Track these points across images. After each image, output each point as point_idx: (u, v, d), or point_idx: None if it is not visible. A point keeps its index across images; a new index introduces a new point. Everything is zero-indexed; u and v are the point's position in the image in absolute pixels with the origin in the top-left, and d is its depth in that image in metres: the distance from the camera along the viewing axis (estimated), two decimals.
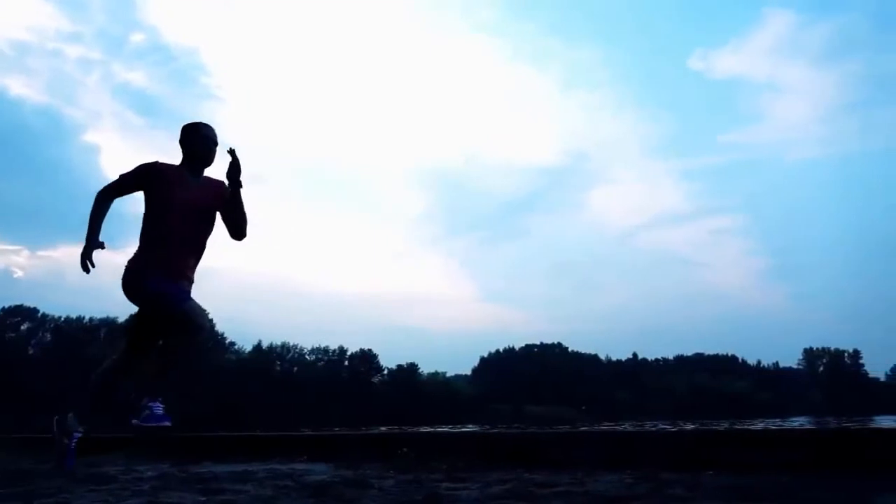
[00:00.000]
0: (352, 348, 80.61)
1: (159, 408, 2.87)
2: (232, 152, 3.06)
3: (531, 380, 79.27)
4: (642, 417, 55.02)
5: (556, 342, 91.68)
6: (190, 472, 3.06)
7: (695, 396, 75.48)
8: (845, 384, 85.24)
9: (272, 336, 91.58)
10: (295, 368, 76.05)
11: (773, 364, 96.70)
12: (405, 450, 2.82)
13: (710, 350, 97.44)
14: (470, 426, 31.65)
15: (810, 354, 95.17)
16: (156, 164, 3.14)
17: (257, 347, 73.11)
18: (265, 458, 3.42)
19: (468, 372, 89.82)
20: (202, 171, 3.18)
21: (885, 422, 22.95)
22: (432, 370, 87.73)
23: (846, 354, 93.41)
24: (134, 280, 3.00)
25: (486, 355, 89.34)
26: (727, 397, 75.03)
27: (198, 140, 3.19)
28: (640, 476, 2.18)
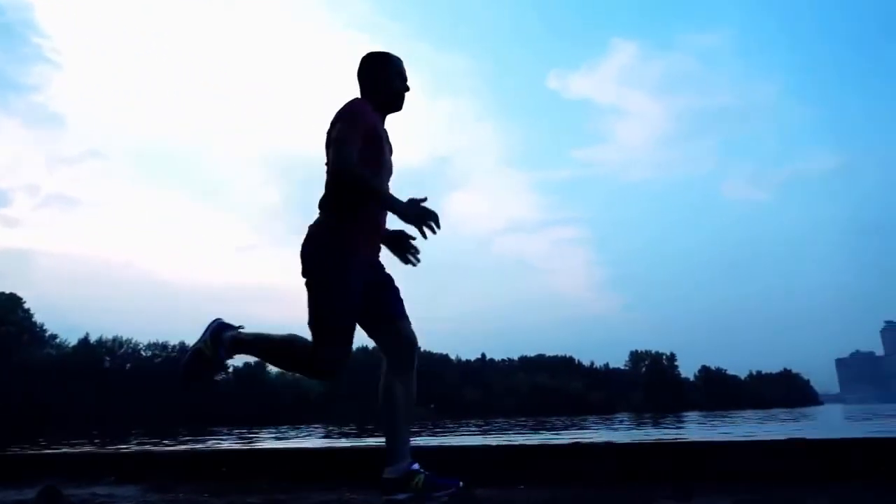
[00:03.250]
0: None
1: None
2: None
3: None
4: (489, 416, 57.57)
5: None
6: None
7: (536, 395, 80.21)
8: (662, 384, 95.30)
9: (102, 329, 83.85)
10: (128, 365, 69.88)
11: (604, 365, 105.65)
12: (224, 469, 2.68)
13: (550, 351, 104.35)
14: (315, 426, 31.19)
15: (635, 356, 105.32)
16: (367, 102, 2.33)
17: (84, 341, 66.28)
18: (70, 479, 3.05)
19: None
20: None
21: (692, 417, 26.13)
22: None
23: (664, 357, 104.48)
24: (339, 250, 2.17)
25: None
26: (564, 396, 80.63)
27: (395, 76, 2.39)
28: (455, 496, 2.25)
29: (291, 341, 2.24)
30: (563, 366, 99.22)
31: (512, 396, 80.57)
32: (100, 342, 68.14)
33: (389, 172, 2.37)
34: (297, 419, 55.87)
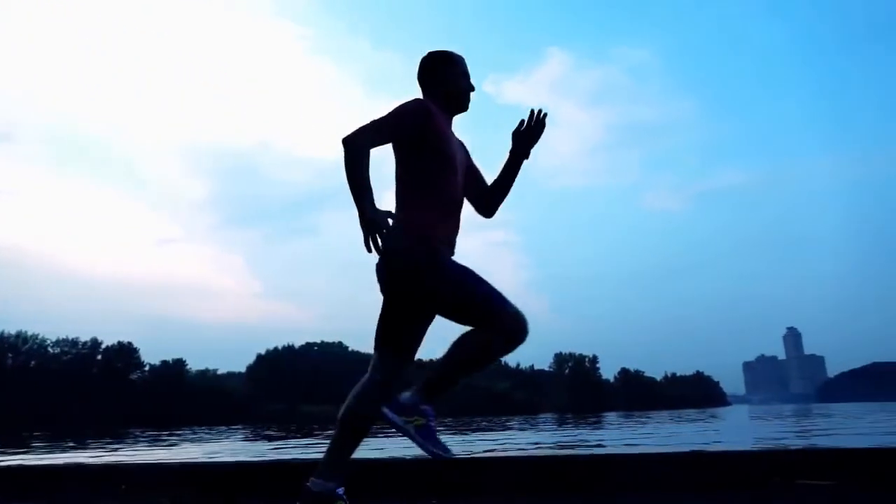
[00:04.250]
0: (107, 340, 72.00)
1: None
2: (541, 115, 2.32)
3: (309, 379, 78.18)
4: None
5: (337, 341, 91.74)
6: None
7: (462, 395, 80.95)
8: (585, 385, 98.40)
9: (4, 323, 78.07)
10: (33, 362, 65.44)
11: (530, 366, 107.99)
12: (123, 487, 2.54)
13: None
14: (237, 427, 30.23)
15: (560, 358, 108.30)
16: (429, 102, 2.22)
17: None
18: None
19: (243, 370, 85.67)
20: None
21: (610, 418, 27.10)
22: (202, 367, 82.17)
23: (587, 359, 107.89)
24: (431, 259, 2.06)
25: (263, 353, 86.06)
26: (491, 396, 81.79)
27: (460, 77, 2.31)
28: None
29: (460, 345, 2.10)
30: (493, 365, 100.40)
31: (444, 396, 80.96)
32: (1, 337, 63.53)
33: (455, 174, 2.22)
34: (218, 420, 54.06)
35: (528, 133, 2.34)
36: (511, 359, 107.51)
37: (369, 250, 1.92)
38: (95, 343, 71.11)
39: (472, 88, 2.32)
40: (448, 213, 2.17)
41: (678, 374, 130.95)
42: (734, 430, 11.90)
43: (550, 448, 8.19)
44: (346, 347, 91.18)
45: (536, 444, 9.34)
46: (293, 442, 12.15)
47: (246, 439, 14.72)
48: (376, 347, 2.22)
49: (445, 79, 2.28)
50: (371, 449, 7.34)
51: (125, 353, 72.20)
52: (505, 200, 2.42)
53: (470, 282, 2.06)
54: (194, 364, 79.44)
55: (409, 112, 2.11)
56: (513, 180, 2.39)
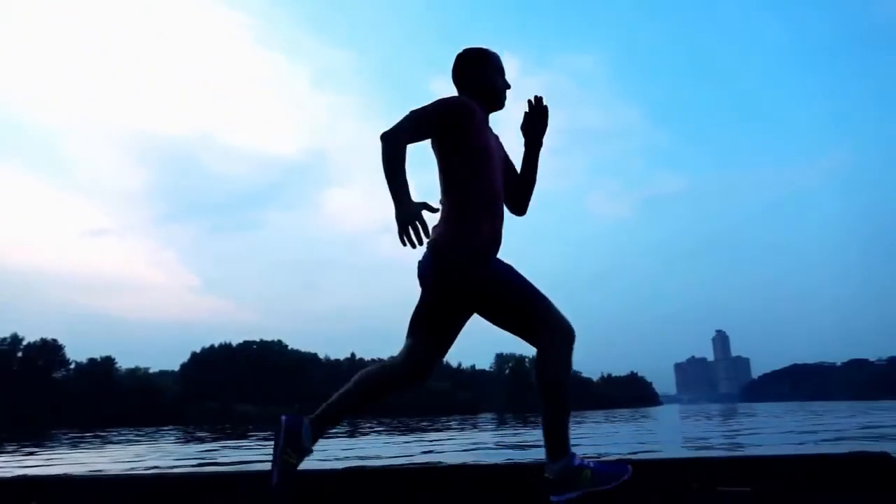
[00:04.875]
0: (29, 337, 68.16)
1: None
2: (539, 100, 2.30)
3: (245, 378, 76.25)
4: (355, 416, 56.89)
5: (276, 339, 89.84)
6: None
7: (404, 395, 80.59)
8: (525, 385, 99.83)
9: None
10: None
11: (471, 366, 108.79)
12: None
13: None
14: (167, 429, 29.14)
15: (500, 359, 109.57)
16: (469, 100, 2.16)
17: None
18: None
19: (176, 368, 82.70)
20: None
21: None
22: (132, 365, 78.86)
23: (527, 360, 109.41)
24: (476, 256, 2.03)
25: (198, 350, 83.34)
26: (431, 396, 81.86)
27: (496, 75, 2.27)
28: None
29: (370, 375, 2.14)
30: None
31: None
32: None
33: (496, 170, 2.19)
34: (148, 420, 52.00)
35: (534, 122, 2.33)
36: (452, 358, 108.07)
37: (404, 244, 1.89)
38: (16, 339, 67.15)
39: (509, 86, 2.29)
40: (492, 207, 2.13)
41: (613, 374, 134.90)
42: (666, 431, 12.34)
43: (493, 449, 8.27)
44: (286, 346, 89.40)
45: (475, 446, 9.42)
46: (222, 444, 11.83)
47: (178, 440, 14.22)
48: (408, 336, 2.16)
49: (483, 76, 2.24)
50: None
51: (48, 350, 68.47)
52: (533, 195, 2.40)
53: (516, 282, 2.04)
54: (124, 362, 76.18)
55: (451, 108, 2.08)
56: (535, 173, 2.37)
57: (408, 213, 1.89)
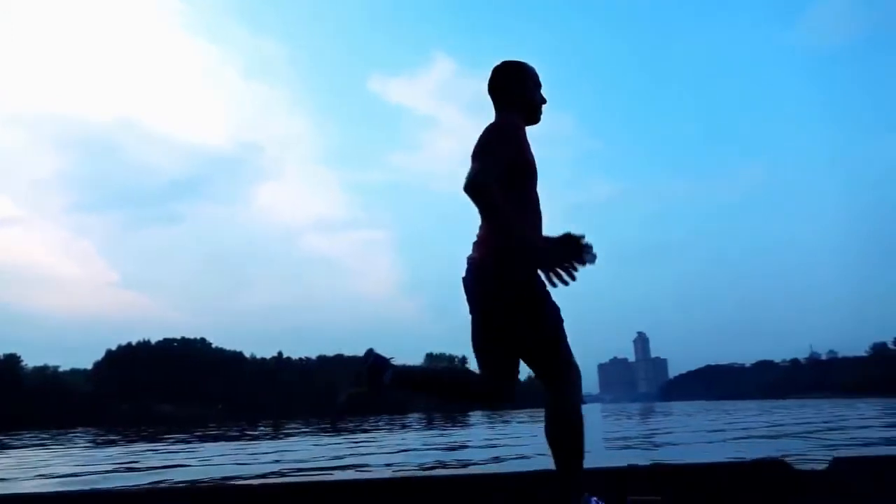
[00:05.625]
0: None
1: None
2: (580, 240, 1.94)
3: (166, 377, 73.14)
4: (284, 416, 55.79)
5: (199, 337, 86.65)
6: None
7: (332, 394, 79.57)
8: None
9: None
10: None
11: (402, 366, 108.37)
12: None
13: (349, 351, 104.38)
14: (77, 431, 27.56)
15: (430, 358, 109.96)
16: (516, 117, 2.11)
17: None
18: None
19: (89, 366, 78.32)
20: None
21: (475, 418, 27.95)
22: (40, 363, 74.05)
23: (457, 360, 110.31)
24: (532, 288, 1.95)
25: (114, 348, 79.24)
26: (360, 395, 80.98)
27: (535, 89, 2.19)
28: None
29: (464, 380, 2.09)
30: (361, 366, 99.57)
31: (308, 397, 79.07)
32: None
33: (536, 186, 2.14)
34: (57, 422, 48.99)
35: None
36: None
37: (556, 285, 1.84)
38: None
39: (545, 101, 2.24)
40: (538, 223, 2.09)
41: None
42: (587, 430, 12.73)
43: (421, 451, 8.30)
44: (210, 344, 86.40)
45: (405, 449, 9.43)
46: (136, 447, 11.32)
47: (89, 444, 13.47)
48: (479, 367, 2.13)
49: (524, 91, 2.19)
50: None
51: None
52: None
53: (555, 307, 2.02)
54: (31, 360, 71.54)
55: (515, 136, 2.04)
56: None
57: (552, 252, 1.85)
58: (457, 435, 12.19)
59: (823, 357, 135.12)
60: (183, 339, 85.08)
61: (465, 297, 2.08)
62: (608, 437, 9.53)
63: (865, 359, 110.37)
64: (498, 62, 2.26)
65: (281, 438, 13.23)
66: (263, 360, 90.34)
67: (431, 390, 2.19)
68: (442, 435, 12.44)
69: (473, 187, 1.85)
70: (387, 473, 5.28)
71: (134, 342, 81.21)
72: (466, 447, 8.46)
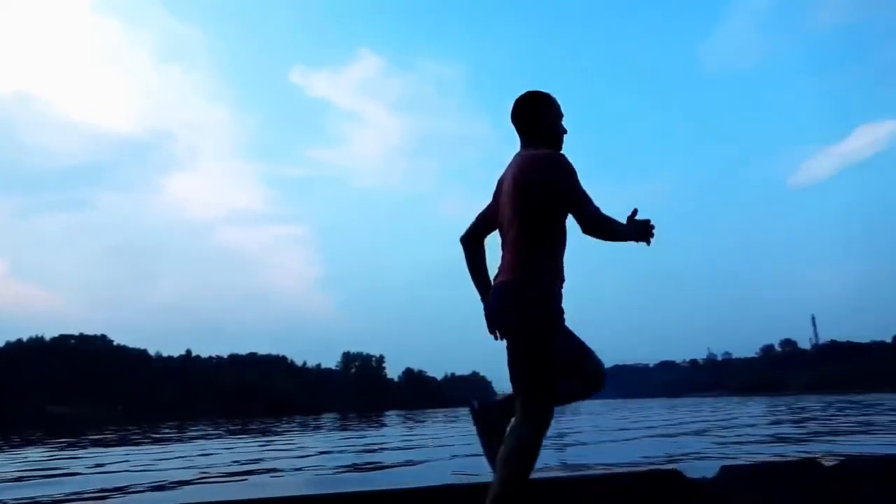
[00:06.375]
0: None
1: None
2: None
3: (61, 376, 68.25)
4: (190, 417, 53.34)
5: (99, 334, 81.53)
6: None
7: (242, 395, 76.90)
8: (369, 384, 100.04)
9: None
10: None
11: (317, 365, 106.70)
12: None
13: (263, 350, 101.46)
14: None
15: (347, 357, 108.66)
16: (558, 151, 2.22)
17: None
18: None
19: None
20: None
21: (391, 417, 27.81)
22: None
23: (374, 359, 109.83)
24: (550, 308, 2.11)
25: (3, 345, 73.12)
26: (271, 396, 78.94)
27: (559, 119, 2.29)
28: None
29: (517, 453, 2.03)
30: (275, 365, 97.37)
31: (216, 396, 76.06)
32: None
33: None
34: None
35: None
36: (298, 357, 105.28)
37: (641, 240, 2.09)
38: None
39: (566, 131, 2.31)
40: (561, 267, 2.21)
41: (457, 373, 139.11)
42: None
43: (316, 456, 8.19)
44: (111, 341, 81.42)
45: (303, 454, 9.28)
46: (24, 454, 10.53)
47: None
48: (518, 399, 2.15)
49: (552, 122, 2.25)
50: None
51: None
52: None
53: (566, 368, 2.14)
54: None
55: (576, 176, 2.11)
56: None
57: (636, 227, 2.08)
58: (371, 437, 12.11)
59: (719, 358, 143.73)
60: (81, 335, 79.78)
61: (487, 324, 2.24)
62: None
63: (755, 359, 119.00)
64: (523, 92, 2.29)
65: (186, 442, 12.66)
66: (170, 358, 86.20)
67: (525, 479, 2.07)
68: (360, 437, 12.33)
69: (598, 231, 2.05)
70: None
71: (25, 338, 75.37)
72: (384, 450, 8.42)
